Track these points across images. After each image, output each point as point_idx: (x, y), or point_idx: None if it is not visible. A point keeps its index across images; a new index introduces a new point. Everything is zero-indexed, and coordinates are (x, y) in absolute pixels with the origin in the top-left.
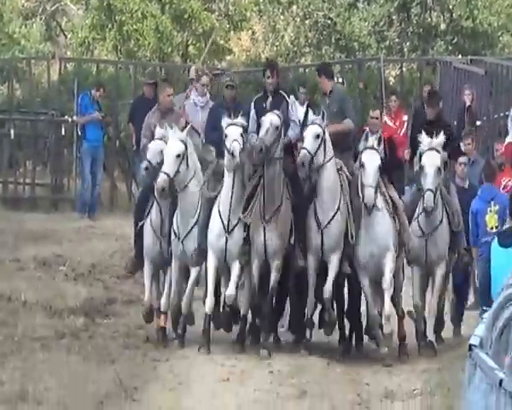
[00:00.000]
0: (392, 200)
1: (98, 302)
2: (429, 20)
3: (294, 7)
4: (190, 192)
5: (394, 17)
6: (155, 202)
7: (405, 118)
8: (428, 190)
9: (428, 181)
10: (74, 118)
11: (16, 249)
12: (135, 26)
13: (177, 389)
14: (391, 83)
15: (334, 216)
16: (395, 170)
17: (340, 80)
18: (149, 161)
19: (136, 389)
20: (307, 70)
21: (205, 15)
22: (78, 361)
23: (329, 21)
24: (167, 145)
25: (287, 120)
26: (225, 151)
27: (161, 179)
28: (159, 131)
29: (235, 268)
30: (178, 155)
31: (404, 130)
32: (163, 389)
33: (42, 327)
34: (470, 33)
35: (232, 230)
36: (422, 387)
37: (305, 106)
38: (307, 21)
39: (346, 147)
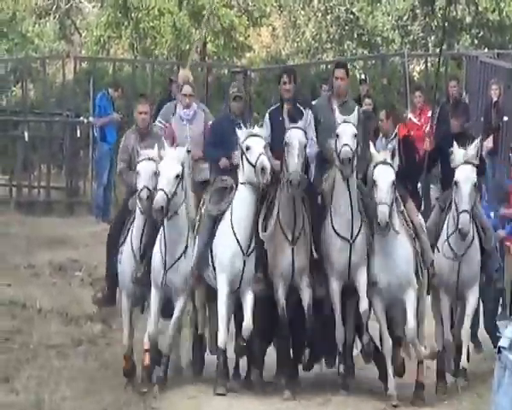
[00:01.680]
0: (411, 220)
1: (115, 308)
2: (454, 13)
3: (315, 1)
4: (181, 217)
5: (418, 11)
6: (136, 227)
7: (430, 114)
8: (464, 211)
9: (464, 200)
10: (90, 119)
11: (31, 255)
12: (151, 24)
13: (198, 397)
14: (415, 78)
15: (359, 231)
16: (414, 175)
17: (363, 77)
18: (147, 187)
19: (155, 397)
20: (329, 66)
21: (223, 11)
22: (95, 369)
23: (352, 16)
24: (165, 164)
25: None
26: (245, 164)
27: (160, 197)
28: (145, 151)
29: (250, 296)
30: (177, 176)
31: (429, 126)
32: (182, 397)
33: (58, 334)
34: (497, 26)
35: (251, 252)
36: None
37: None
38: (329, 16)
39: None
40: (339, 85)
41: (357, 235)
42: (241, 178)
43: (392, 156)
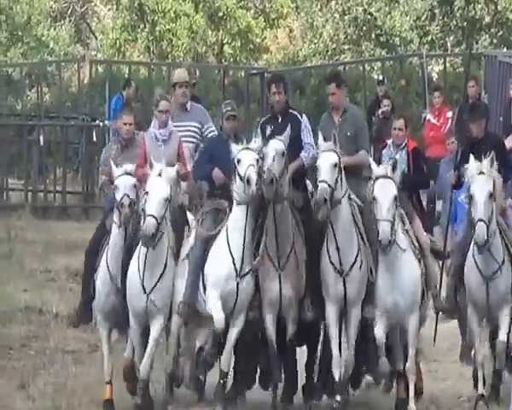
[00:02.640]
0: (417, 239)
1: None
2: (473, 13)
3: (333, 2)
4: (164, 240)
5: (437, 11)
6: (113, 248)
7: (449, 114)
8: (480, 220)
9: (479, 209)
10: (106, 122)
11: (47, 260)
12: (168, 26)
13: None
14: (434, 79)
15: (355, 260)
16: (421, 186)
17: (381, 78)
18: (128, 195)
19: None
20: (347, 67)
21: (240, 13)
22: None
23: (369, 16)
24: (153, 184)
25: (299, 143)
26: (237, 180)
27: (150, 224)
28: (123, 166)
29: (235, 330)
30: (166, 199)
31: (448, 127)
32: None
33: (74, 340)
34: None
35: (245, 275)
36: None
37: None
38: (346, 17)
39: (356, 175)
40: (331, 101)
41: (352, 266)
42: (235, 197)
43: (393, 169)
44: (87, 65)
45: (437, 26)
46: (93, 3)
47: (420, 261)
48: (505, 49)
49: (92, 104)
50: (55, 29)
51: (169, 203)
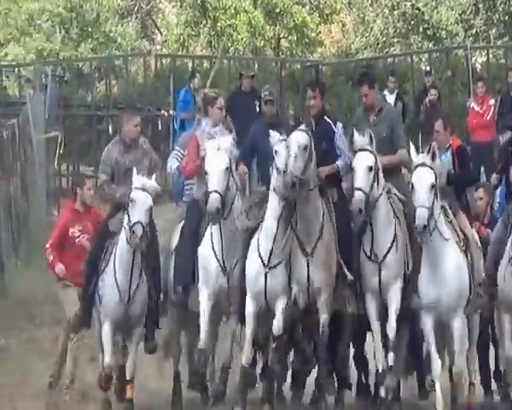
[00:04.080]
0: (463, 232)
1: None
2: None
3: None
4: (234, 217)
5: (480, 5)
6: (121, 260)
7: (492, 102)
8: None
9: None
10: (171, 112)
11: None
12: (228, 22)
13: None
14: (478, 70)
15: (389, 250)
16: (469, 184)
17: (428, 69)
18: (141, 223)
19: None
20: (396, 59)
21: (296, 9)
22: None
23: (417, 11)
24: (212, 159)
25: (331, 151)
26: (275, 171)
27: (213, 199)
28: (140, 179)
29: (280, 303)
30: (227, 169)
31: (491, 114)
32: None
33: None
34: None
35: (276, 265)
36: None
37: (394, 94)
38: (395, 12)
39: (395, 172)
40: (365, 102)
41: (386, 255)
42: (271, 186)
43: (433, 158)
44: (152, 59)
45: (481, 19)
46: (158, 1)
47: (466, 254)
48: None
49: (157, 96)
50: (122, 25)
51: (230, 172)
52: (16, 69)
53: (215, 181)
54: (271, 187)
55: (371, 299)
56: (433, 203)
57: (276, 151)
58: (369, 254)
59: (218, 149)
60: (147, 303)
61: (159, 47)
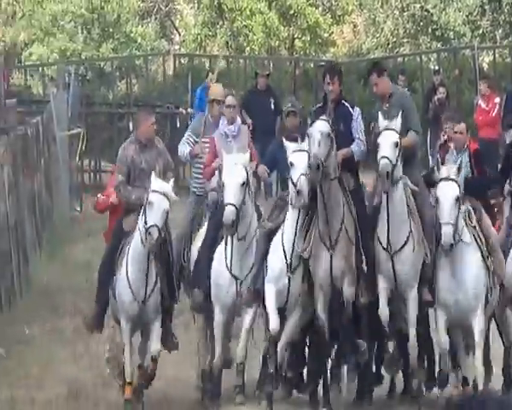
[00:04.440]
0: (485, 236)
1: None
2: None
3: (393, 0)
4: (252, 230)
5: (487, 7)
6: (133, 260)
7: (497, 100)
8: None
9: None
10: (189, 110)
11: None
12: (244, 23)
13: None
14: (484, 69)
15: (406, 242)
16: (486, 188)
17: (437, 68)
18: (158, 226)
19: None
20: (406, 59)
21: (309, 10)
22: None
23: (426, 13)
24: (229, 172)
25: (348, 135)
26: (290, 184)
27: (229, 212)
28: (159, 183)
29: (296, 313)
30: (243, 184)
31: (496, 111)
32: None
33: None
34: None
35: (295, 269)
36: None
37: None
38: (405, 13)
39: (409, 160)
40: (375, 92)
41: (402, 247)
42: (289, 198)
43: (458, 171)
44: (171, 58)
45: (487, 20)
46: (176, 2)
47: (488, 257)
48: None
49: (176, 94)
50: (142, 26)
51: (247, 187)
52: (40, 68)
53: (231, 194)
54: (289, 200)
55: (383, 285)
56: (457, 218)
57: (291, 163)
58: (383, 243)
59: (235, 164)
60: (161, 303)
61: (177, 47)
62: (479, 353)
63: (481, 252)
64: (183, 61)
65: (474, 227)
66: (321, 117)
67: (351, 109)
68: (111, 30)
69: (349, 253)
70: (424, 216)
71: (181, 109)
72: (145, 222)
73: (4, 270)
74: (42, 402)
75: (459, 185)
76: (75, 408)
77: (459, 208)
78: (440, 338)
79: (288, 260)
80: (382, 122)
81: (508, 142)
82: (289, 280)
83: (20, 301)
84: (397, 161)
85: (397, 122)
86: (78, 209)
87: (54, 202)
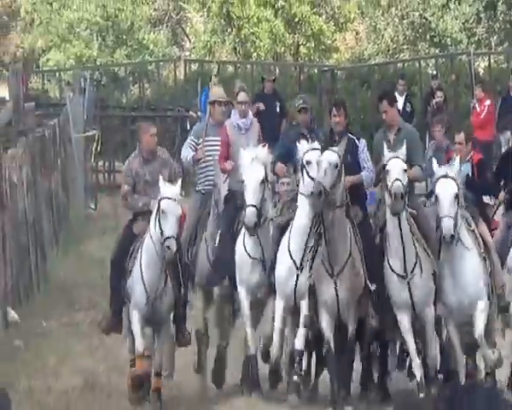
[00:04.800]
0: (483, 240)
1: None
2: None
3: (393, 8)
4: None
5: (482, 15)
6: (147, 265)
7: (487, 102)
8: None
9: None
10: (199, 113)
11: None
12: (251, 30)
13: None
14: (480, 74)
15: (415, 266)
16: (487, 194)
17: (435, 73)
18: (175, 237)
19: None
20: (405, 64)
21: (313, 18)
22: None
23: (424, 20)
24: (249, 171)
25: (355, 166)
26: (306, 179)
27: (250, 213)
28: (168, 188)
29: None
30: (262, 181)
31: (485, 113)
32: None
33: None
34: None
35: (303, 268)
36: None
37: (403, 96)
38: (405, 21)
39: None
40: (386, 118)
41: (412, 270)
42: (300, 189)
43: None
44: (182, 64)
45: (482, 27)
46: (187, 11)
47: (485, 260)
48: None
49: (186, 98)
50: (154, 33)
51: (266, 183)
52: (57, 73)
53: (251, 195)
54: (302, 191)
55: (401, 312)
56: (457, 213)
57: (307, 161)
58: (396, 271)
59: (253, 160)
60: (174, 301)
61: (187, 53)
62: (479, 331)
63: (480, 255)
64: (193, 67)
65: (473, 231)
66: (331, 148)
67: (356, 141)
68: (124, 37)
69: (355, 281)
70: (428, 239)
71: (191, 112)
72: (161, 233)
73: (23, 266)
74: (58, 392)
75: (457, 183)
76: (90, 398)
77: (458, 205)
78: (457, 356)
79: (298, 256)
80: (388, 154)
81: (503, 144)
82: (297, 278)
83: (38, 296)
84: (407, 185)
85: (402, 151)
86: (93, 207)
87: (70, 200)
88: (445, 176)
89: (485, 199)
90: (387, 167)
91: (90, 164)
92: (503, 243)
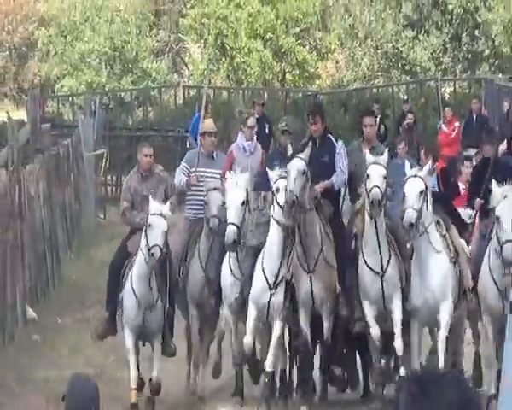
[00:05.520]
0: (453, 243)
1: None
2: (476, 47)
3: (369, 40)
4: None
5: (448, 46)
6: (138, 274)
7: (457, 124)
8: (508, 241)
9: (508, 231)
10: (189, 137)
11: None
12: (243, 59)
13: None
14: (446, 98)
15: (388, 263)
16: (451, 197)
17: (406, 97)
18: (159, 246)
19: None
20: (379, 90)
21: (298, 49)
22: None
23: (397, 51)
24: (231, 193)
25: (333, 166)
26: (275, 205)
27: (230, 231)
28: (157, 205)
29: (278, 324)
30: (243, 203)
31: (455, 132)
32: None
33: None
34: (509, 56)
35: (278, 284)
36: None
37: (378, 118)
38: (379, 51)
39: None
40: (368, 132)
41: (386, 267)
42: (271, 213)
43: (432, 172)
44: (181, 90)
45: (448, 57)
46: (186, 42)
47: (455, 264)
48: (501, 75)
49: (185, 120)
50: (156, 62)
51: (247, 205)
52: (70, 98)
53: (232, 214)
54: (271, 215)
55: (370, 305)
56: (421, 207)
57: (277, 188)
58: (371, 266)
59: (236, 185)
60: (163, 314)
61: (186, 80)
62: (441, 352)
63: (450, 258)
64: (191, 92)
65: (444, 236)
66: (297, 155)
67: (335, 142)
68: (130, 66)
69: (328, 275)
70: (402, 247)
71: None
72: (147, 243)
73: (40, 269)
74: None
75: (425, 183)
76: (100, 387)
77: (425, 202)
78: (413, 344)
79: (271, 278)
80: (370, 158)
81: (470, 159)
82: (270, 297)
83: (53, 295)
84: (385, 191)
85: (384, 157)
86: (102, 217)
87: (82, 211)
88: (415, 176)
89: (465, 217)
90: (368, 172)
91: (99, 179)
92: (478, 253)
